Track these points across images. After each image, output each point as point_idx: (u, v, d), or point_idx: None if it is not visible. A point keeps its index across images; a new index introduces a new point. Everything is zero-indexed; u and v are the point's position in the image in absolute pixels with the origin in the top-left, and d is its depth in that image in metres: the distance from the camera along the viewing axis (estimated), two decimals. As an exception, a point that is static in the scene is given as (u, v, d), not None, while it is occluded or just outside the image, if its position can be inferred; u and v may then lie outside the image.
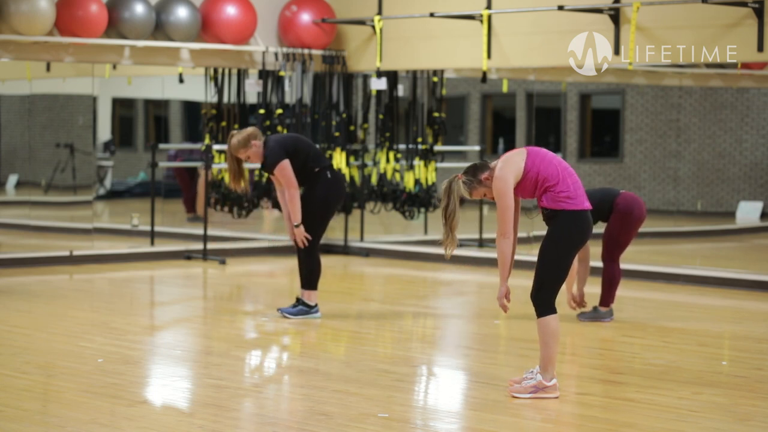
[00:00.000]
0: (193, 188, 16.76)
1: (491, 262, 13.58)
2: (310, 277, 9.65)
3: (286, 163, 9.34)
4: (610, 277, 9.69)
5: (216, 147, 13.76)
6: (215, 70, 14.10)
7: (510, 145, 19.26)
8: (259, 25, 13.96)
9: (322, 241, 14.74)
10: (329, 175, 9.55)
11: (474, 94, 19.69)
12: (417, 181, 14.54)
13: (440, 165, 14.91)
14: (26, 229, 15.25)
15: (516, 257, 7.24)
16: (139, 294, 11.70)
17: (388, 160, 14.50)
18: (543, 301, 6.94)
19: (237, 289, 12.12)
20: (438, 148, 14.62)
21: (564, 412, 6.71)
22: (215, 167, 13.83)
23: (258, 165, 14.21)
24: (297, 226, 9.44)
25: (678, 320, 10.07)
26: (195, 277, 12.82)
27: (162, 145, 15.75)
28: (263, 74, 14.00)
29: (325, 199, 9.54)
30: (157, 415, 6.56)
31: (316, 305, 9.69)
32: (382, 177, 14.56)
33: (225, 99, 14.13)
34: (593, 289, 10.41)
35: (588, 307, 9.98)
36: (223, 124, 14.10)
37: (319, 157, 9.58)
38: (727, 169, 16.51)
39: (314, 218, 9.52)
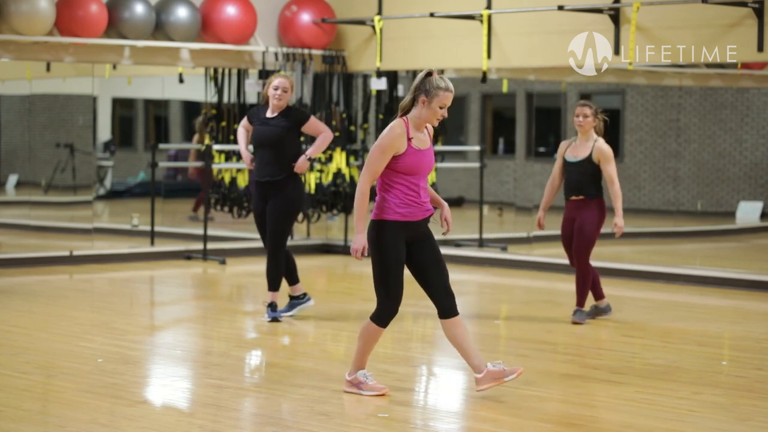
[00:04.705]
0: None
1: (491, 262, 13.58)
2: (289, 274, 9.84)
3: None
4: (593, 275, 9.77)
5: (216, 147, 13.76)
6: (215, 70, 14.10)
7: (509, 146, 19.27)
8: (259, 25, 13.96)
9: (323, 240, 14.84)
10: (299, 178, 9.75)
11: (474, 94, 19.69)
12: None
13: (440, 165, 14.90)
14: (26, 229, 15.26)
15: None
16: (139, 294, 11.70)
17: (388, 160, 14.48)
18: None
19: (237, 289, 12.12)
20: (438, 148, 14.62)
21: (564, 412, 6.71)
22: (215, 167, 13.82)
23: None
24: (310, 159, 9.62)
25: (678, 320, 10.07)
26: (195, 277, 12.82)
27: (162, 145, 15.75)
28: (263, 74, 14.00)
29: (299, 200, 9.71)
30: (157, 415, 6.56)
31: (305, 293, 9.82)
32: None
33: (225, 99, 14.13)
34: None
35: (586, 307, 9.99)
36: (223, 124, 14.10)
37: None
38: (727, 169, 16.51)
39: (290, 218, 9.67)
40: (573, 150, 9.78)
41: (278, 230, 9.60)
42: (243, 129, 9.82)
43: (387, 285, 6.82)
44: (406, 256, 6.87)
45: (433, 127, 6.88)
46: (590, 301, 9.98)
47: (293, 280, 9.86)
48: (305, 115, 9.64)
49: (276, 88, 9.49)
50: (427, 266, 6.86)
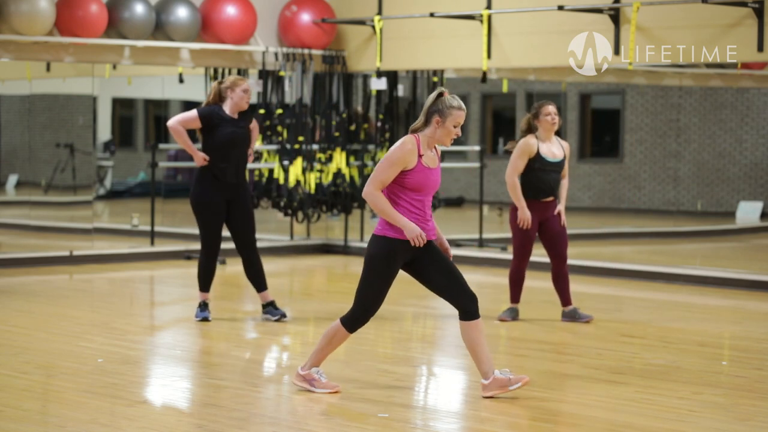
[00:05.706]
0: None
1: (491, 262, 13.58)
2: (209, 280, 9.87)
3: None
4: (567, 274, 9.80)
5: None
6: (215, 70, 14.10)
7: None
8: (259, 25, 13.96)
9: (323, 240, 14.84)
10: None
11: (474, 94, 19.69)
12: (417, 181, 14.53)
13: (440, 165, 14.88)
14: (26, 229, 15.25)
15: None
16: (139, 294, 11.70)
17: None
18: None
19: (237, 289, 12.12)
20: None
21: (564, 412, 6.71)
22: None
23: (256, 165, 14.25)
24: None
25: (678, 320, 10.07)
26: (195, 277, 12.79)
27: (162, 145, 15.75)
28: (263, 74, 14.00)
29: None
30: (157, 415, 6.56)
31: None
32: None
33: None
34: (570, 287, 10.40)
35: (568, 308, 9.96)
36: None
37: None
38: (727, 169, 16.52)
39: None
40: (545, 149, 9.74)
41: (254, 227, 9.72)
42: (182, 127, 9.87)
43: (368, 298, 6.88)
44: (413, 271, 6.92)
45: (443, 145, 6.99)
46: (507, 303, 9.94)
47: (208, 287, 9.86)
48: (251, 115, 9.82)
49: (245, 91, 9.57)
50: (433, 275, 6.91)
